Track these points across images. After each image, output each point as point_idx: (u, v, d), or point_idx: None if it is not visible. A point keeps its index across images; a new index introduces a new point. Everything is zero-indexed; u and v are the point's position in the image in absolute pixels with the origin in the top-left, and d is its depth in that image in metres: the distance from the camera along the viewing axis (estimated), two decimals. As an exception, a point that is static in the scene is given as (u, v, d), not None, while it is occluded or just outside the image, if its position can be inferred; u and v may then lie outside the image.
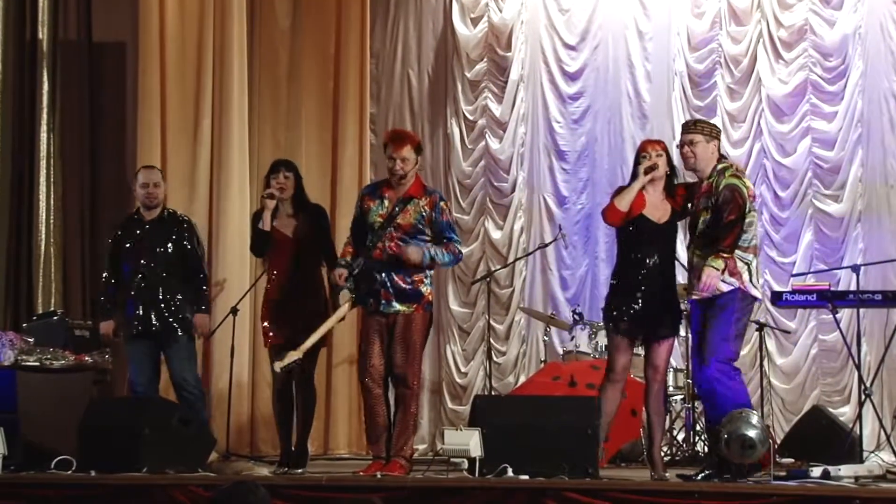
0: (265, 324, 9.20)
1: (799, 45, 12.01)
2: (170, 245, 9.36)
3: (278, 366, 8.67)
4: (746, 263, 8.07)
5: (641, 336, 8.29)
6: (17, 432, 9.05)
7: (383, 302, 8.47)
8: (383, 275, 8.47)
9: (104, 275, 9.55)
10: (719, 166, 8.19)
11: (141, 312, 9.28)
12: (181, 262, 9.37)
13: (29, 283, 11.97)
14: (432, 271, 8.68)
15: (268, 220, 9.06)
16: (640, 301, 8.18)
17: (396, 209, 8.51)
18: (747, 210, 8.07)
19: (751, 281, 8.08)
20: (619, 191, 8.39)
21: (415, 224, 8.50)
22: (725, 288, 8.01)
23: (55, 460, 8.41)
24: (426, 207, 8.53)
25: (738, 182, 8.12)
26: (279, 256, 9.16)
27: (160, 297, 9.27)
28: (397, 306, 8.47)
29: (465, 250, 12.33)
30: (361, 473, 8.40)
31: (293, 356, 8.64)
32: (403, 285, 8.47)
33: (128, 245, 9.40)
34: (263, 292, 9.43)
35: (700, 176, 8.27)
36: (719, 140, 8.38)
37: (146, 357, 9.36)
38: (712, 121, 11.72)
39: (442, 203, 8.62)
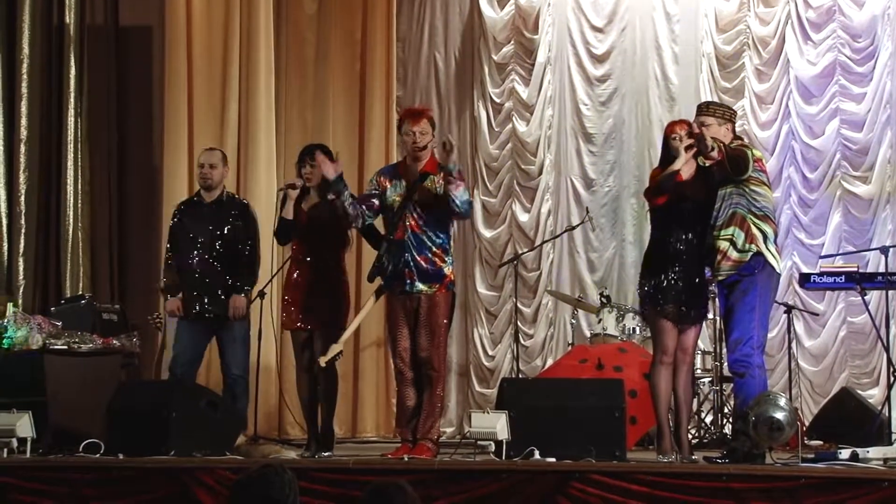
0: (285, 307, 9.20)
1: (827, 26, 11.95)
2: (226, 228, 9.36)
3: (322, 360, 8.72)
4: (762, 232, 8.04)
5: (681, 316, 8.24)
6: (46, 416, 9.08)
7: (407, 282, 8.46)
8: (407, 255, 8.47)
9: (166, 255, 9.56)
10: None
11: (197, 294, 9.30)
12: (236, 245, 9.36)
13: (57, 267, 12.02)
14: (451, 249, 8.65)
15: (290, 210, 9.04)
16: (678, 282, 8.15)
17: (414, 186, 8.49)
18: (751, 170, 8.01)
19: (768, 250, 8.03)
20: (655, 174, 8.34)
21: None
22: (746, 258, 8.00)
23: (83, 443, 8.43)
24: (441, 182, 8.50)
25: (743, 147, 8.11)
26: (303, 241, 9.15)
27: (215, 279, 9.29)
28: (420, 286, 8.45)
29: (491, 234, 12.40)
30: (389, 456, 8.41)
31: (336, 349, 8.73)
32: (425, 265, 8.46)
33: (186, 226, 9.42)
34: (286, 275, 9.42)
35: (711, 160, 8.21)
36: (734, 123, 8.32)
37: (194, 340, 9.37)
38: (740, 102, 11.76)
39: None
